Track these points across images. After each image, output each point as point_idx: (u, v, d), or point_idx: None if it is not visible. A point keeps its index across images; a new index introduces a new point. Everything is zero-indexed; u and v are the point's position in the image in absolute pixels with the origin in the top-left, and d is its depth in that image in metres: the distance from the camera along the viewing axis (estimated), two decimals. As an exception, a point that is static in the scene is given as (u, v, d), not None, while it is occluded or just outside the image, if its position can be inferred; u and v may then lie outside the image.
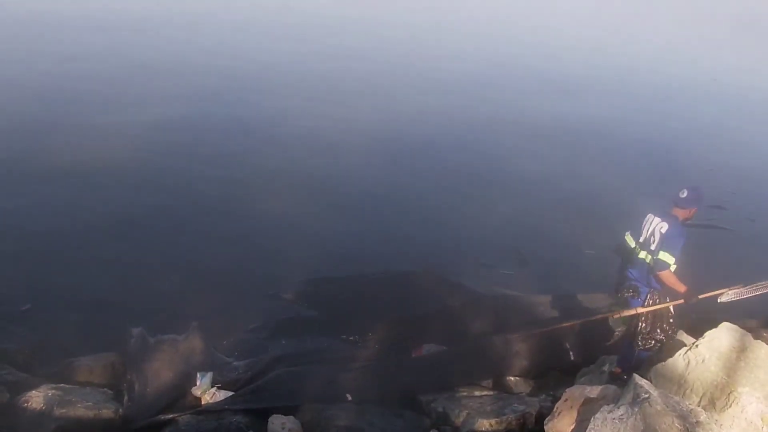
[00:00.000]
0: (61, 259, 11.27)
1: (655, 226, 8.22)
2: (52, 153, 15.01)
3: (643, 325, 8.40)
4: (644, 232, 8.35)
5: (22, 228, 12.09)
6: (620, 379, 8.25)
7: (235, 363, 9.06)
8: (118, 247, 11.74)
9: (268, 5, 44.52)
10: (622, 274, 8.64)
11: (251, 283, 10.83)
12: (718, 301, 8.49)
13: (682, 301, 8.20)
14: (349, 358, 9.22)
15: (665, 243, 8.01)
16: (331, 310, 10.41)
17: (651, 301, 8.34)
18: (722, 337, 7.39)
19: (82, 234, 12.04)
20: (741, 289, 8.56)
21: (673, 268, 7.98)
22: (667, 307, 8.35)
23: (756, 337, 8.73)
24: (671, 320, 8.45)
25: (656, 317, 8.39)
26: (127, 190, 13.85)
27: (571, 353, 9.36)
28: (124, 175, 14.46)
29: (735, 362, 7.16)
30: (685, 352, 7.38)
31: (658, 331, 8.39)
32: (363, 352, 9.43)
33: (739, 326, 9.00)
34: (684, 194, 8.15)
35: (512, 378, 8.92)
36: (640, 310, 8.34)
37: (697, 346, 7.37)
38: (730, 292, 8.53)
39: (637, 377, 6.81)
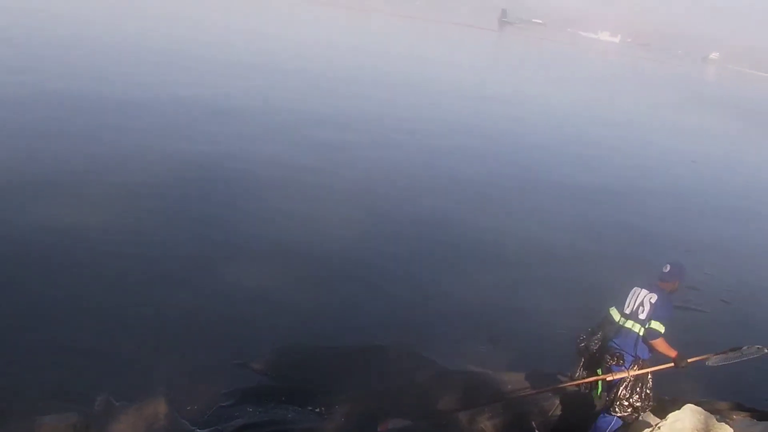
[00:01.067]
0: (30, 307, 11.20)
1: (644, 297, 8.70)
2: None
3: (624, 390, 8.60)
4: (631, 303, 8.80)
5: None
6: None
7: (199, 430, 8.92)
8: (89, 298, 11.65)
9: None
10: (603, 345, 8.89)
11: (219, 350, 10.69)
12: (707, 364, 8.78)
13: (671, 364, 8.52)
14: (312, 430, 9.17)
15: (656, 313, 8.51)
16: (299, 381, 10.28)
17: (636, 367, 8.61)
18: (685, 419, 7.44)
19: (51, 282, 11.94)
20: (729, 353, 8.82)
21: (657, 326, 8.46)
22: (648, 373, 8.65)
23: (723, 419, 8.83)
24: (650, 387, 8.68)
25: (636, 383, 8.63)
26: (107, 242, 13.75)
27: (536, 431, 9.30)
28: (105, 227, 14.41)
29: (698, 445, 7.17)
30: (648, 434, 7.38)
31: (636, 397, 8.59)
32: (328, 424, 9.33)
33: (706, 408, 9.15)
34: (667, 269, 8.86)
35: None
36: (632, 372, 8.56)
37: (659, 427, 7.41)
38: (717, 356, 8.79)
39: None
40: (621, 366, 8.69)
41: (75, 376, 9.61)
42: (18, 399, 8.97)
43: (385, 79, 47.62)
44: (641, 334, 8.64)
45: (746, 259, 19.90)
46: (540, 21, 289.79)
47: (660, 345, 8.53)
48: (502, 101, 46.43)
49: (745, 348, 8.87)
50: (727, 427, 7.49)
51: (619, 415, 8.65)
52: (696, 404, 9.94)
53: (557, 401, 9.73)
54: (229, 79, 35.22)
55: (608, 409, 8.78)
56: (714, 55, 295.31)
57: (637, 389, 8.66)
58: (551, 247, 17.80)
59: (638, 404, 8.61)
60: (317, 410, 9.61)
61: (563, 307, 13.55)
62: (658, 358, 8.70)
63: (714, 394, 11.03)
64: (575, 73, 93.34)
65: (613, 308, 9.08)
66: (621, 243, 18.74)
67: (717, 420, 8.70)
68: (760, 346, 8.87)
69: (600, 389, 9.03)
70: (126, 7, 60.38)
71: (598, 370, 8.98)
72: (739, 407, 10.95)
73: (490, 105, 43.37)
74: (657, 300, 8.65)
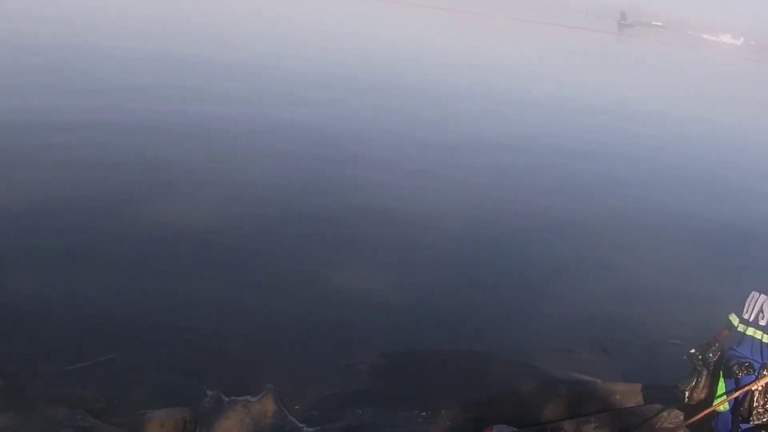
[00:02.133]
0: (146, 300, 11.67)
1: (763, 302, 8.47)
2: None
3: (759, 397, 8.47)
4: (749, 309, 8.59)
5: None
6: None
7: (306, 428, 9.10)
8: (201, 295, 12.04)
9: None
10: (723, 354, 8.80)
11: (328, 351, 10.86)
12: None
13: None
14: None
15: None
16: (405, 384, 10.37)
17: (765, 373, 8.38)
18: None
19: (169, 288, 12.26)
20: None
21: None
22: None
23: None
24: None
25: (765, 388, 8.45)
26: (222, 237, 14.21)
27: (641, 445, 9.15)
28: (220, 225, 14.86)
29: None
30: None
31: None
32: (434, 428, 9.38)
33: None
34: None
35: (581, 463, 8.75)
36: (753, 386, 8.37)
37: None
38: None
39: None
40: (751, 375, 8.48)
41: (185, 371, 9.93)
42: (128, 393, 9.30)
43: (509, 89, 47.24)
44: (764, 341, 8.45)
45: None
46: (660, 24, 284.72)
47: None
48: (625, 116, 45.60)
49: None
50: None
51: (755, 423, 8.49)
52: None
53: (666, 414, 9.53)
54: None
55: (746, 418, 8.60)
56: None
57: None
58: (668, 257, 17.43)
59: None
60: (423, 414, 9.66)
61: (677, 317, 13.23)
62: None
63: None
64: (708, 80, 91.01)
65: (733, 314, 8.90)
66: (744, 254, 18.13)
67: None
68: None
69: (722, 395, 8.82)
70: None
71: (719, 382, 8.83)
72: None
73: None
74: None
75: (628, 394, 10.36)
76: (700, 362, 9.03)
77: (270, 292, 12.46)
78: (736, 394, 8.54)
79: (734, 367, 8.56)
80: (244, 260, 13.45)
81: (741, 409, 8.59)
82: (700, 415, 8.95)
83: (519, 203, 19.88)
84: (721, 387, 8.81)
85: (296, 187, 18.03)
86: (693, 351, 9.14)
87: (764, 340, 8.47)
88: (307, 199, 17.34)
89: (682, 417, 9.47)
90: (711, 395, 8.94)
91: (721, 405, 8.74)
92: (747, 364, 8.48)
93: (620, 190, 23.41)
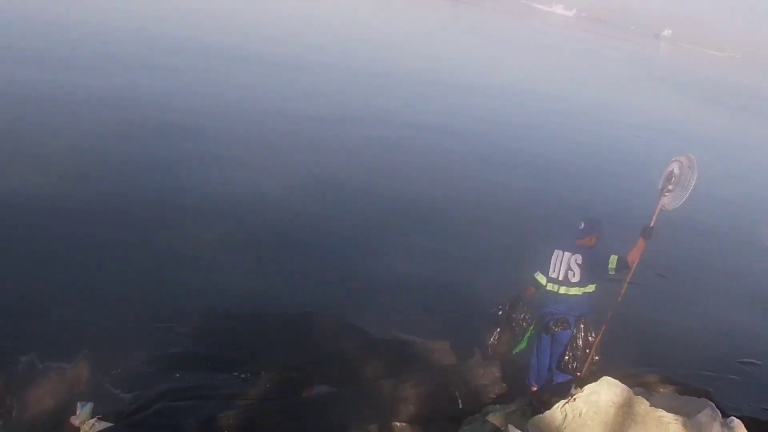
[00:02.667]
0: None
1: (569, 259, 8.98)
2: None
3: (572, 350, 9.00)
4: (557, 268, 9.05)
5: None
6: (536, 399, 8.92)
7: (121, 394, 8.87)
8: (14, 267, 11.43)
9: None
10: (541, 311, 9.26)
11: (147, 314, 10.58)
12: (668, 209, 9.19)
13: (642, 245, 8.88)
14: (236, 396, 9.11)
15: (596, 265, 8.88)
16: (226, 347, 10.21)
17: (582, 326, 9.02)
18: (601, 391, 7.41)
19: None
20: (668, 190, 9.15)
21: (615, 260, 8.79)
22: (593, 335, 9.06)
23: (651, 392, 8.89)
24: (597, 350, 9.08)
25: (585, 342, 9.02)
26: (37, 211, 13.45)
27: (459, 401, 9.30)
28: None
29: (612, 417, 7.19)
30: (563, 405, 7.41)
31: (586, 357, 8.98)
32: (253, 390, 9.29)
33: (635, 381, 9.26)
34: (582, 225, 9.10)
35: (398, 424, 8.83)
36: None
37: (574, 399, 7.39)
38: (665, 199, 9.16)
39: (512, 428, 6.82)
40: (567, 329, 8.98)
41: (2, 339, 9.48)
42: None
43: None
44: (579, 294, 8.96)
45: (686, 234, 20.01)
46: None
47: (634, 257, 8.88)
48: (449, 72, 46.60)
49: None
50: (643, 400, 7.48)
51: (569, 370, 9.00)
52: (625, 376, 10.07)
53: (480, 371, 9.76)
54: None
55: (559, 366, 9.09)
56: (666, 32, 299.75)
57: (586, 349, 9.03)
58: (492, 221, 17.96)
59: (586, 363, 9.01)
60: (243, 376, 9.58)
61: (500, 279, 13.49)
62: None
63: (659, 365, 11.50)
64: (527, 47, 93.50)
65: (539, 273, 9.30)
66: (561, 218, 18.65)
67: (635, 393, 8.73)
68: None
69: (523, 345, 9.44)
70: None
71: (523, 338, 9.40)
72: (669, 380, 11.08)
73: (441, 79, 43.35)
74: (583, 260, 8.95)
75: (447, 353, 10.57)
76: (503, 319, 9.46)
77: (88, 257, 12.03)
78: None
79: (551, 324, 9.05)
80: (58, 231, 12.86)
81: (563, 361, 9.04)
82: None
83: (341, 171, 19.96)
84: (525, 340, 9.41)
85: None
86: (496, 309, 9.59)
87: (580, 294, 9.00)
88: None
89: (497, 374, 9.71)
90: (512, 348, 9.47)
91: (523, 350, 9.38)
92: (563, 319, 8.98)
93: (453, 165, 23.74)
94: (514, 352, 9.50)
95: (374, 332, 11.09)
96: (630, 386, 9.03)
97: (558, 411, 7.38)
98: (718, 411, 7.92)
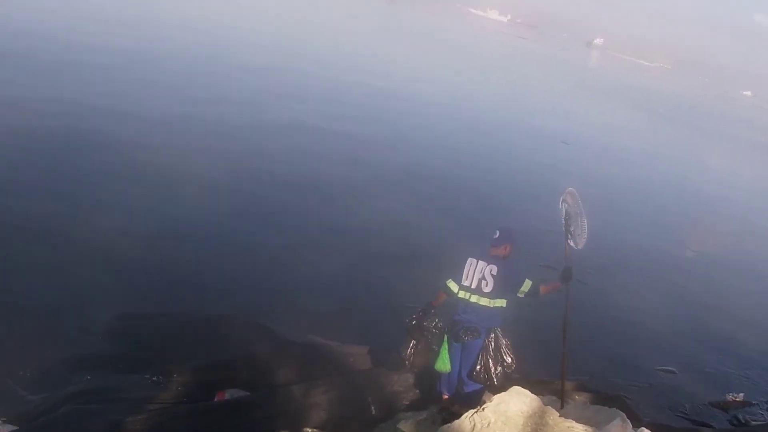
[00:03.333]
0: None
1: (483, 269, 8.85)
2: None
3: (484, 360, 8.92)
4: (470, 276, 8.92)
5: None
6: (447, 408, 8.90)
7: (29, 396, 8.71)
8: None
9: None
10: (452, 318, 9.11)
11: (58, 314, 10.40)
12: (578, 247, 9.27)
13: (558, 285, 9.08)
14: (146, 399, 8.93)
15: (510, 281, 8.84)
16: (139, 349, 10.07)
17: (493, 338, 8.92)
18: (510, 401, 7.40)
19: None
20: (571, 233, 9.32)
21: (528, 285, 8.86)
22: (506, 345, 9.02)
23: (567, 400, 8.90)
24: (509, 358, 8.99)
25: (497, 352, 8.93)
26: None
27: (372, 407, 9.24)
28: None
29: (521, 428, 7.18)
30: (472, 415, 7.40)
31: (498, 367, 8.93)
32: (164, 393, 9.14)
33: (548, 388, 9.26)
34: (496, 234, 9.04)
35: (309, 430, 8.77)
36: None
37: (483, 409, 7.36)
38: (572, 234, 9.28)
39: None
40: (477, 339, 8.88)
41: None
42: None
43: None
44: (491, 306, 8.86)
45: (607, 239, 20.31)
46: None
47: (546, 292, 9.03)
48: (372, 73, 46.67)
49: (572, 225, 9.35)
50: (553, 410, 7.49)
51: (478, 380, 8.96)
52: (539, 383, 10.12)
53: (394, 377, 9.72)
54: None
55: (470, 375, 9.01)
56: (598, 41, 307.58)
57: (499, 359, 8.94)
58: (410, 223, 18.08)
59: (497, 371, 8.92)
60: (154, 378, 9.43)
61: (418, 282, 13.46)
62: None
63: (576, 372, 11.32)
64: (456, 51, 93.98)
65: (451, 281, 9.14)
66: (481, 222, 18.69)
67: (548, 402, 8.76)
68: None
69: (446, 358, 9.14)
70: None
71: (444, 346, 9.15)
72: (584, 387, 11.13)
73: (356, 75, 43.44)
74: (499, 271, 8.84)
75: (362, 357, 10.53)
76: (416, 328, 9.28)
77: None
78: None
79: (461, 332, 8.92)
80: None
81: (475, 370, 8.97)
82: None
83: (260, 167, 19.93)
84: (445, 350, 9.11)
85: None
86: (409, 320, 9.40)
87: (491, 306, 8.89)
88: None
89: (411, 381, 9.68)
90: (433, 358, 9.23)
91: (444, 367, 9.10)
92: (473, 328, 8.87)
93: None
94: (435, 367, 9.25)
95: (289, 334, 11.04)
96: (544, 394, 9.10)
97: (466, 420, 7.35)
98: (629, 421, 7.96)
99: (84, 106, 21.19)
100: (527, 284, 8.86)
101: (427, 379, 9.81)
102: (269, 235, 15.11)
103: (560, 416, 7.50)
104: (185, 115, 23.27)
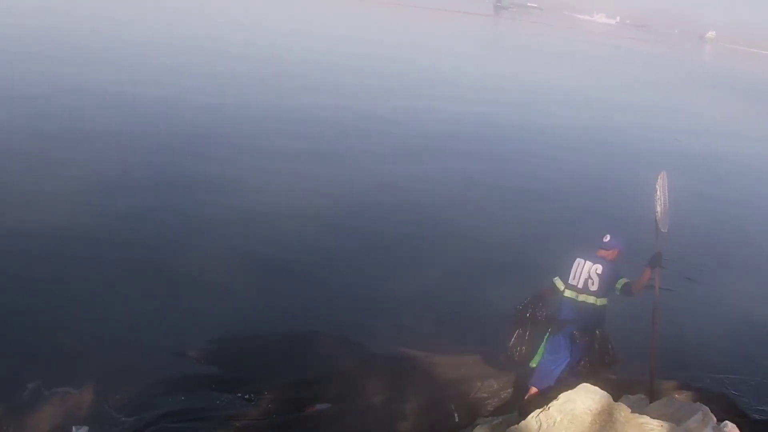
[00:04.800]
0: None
1: (589, 269, 9.06)
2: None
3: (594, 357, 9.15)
4: (577, 275, 9.13)
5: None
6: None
7: (123, 418, 8.96)
8: (23, 288, 11.72)
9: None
10: (550, 315, 9.30)
11: (152, 338, 10.72)
12: (664, 231, 9.36)
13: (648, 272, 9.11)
14: (237, 416, 9.21)
15: (610, 279, 9.00)
16: (230, 369, 10.31)
17: (599, 335, 9.14)
18: (577, 399, 7.26)
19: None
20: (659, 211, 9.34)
21: (622, 283, 9.00)
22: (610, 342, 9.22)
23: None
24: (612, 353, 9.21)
25: (602, 350, 9.16)
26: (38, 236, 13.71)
27: (455, 414, 9.25)
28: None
29: (589, 426, 7.03)
30: (538, 414, 7.27)
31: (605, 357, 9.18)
32: (254, 410, 9.39)
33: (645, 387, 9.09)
34: (607, 238, 9.20)
35: (395, 441, 8.83)
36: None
37: (549, 408, 7.24)
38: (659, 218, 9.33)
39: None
40: (585, 338, 9.07)
41: (6, 363, 9.67)
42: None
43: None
44: (598, 304, 9.05)
45: (716, 236, 19.95)
46: (535, 5, 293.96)
47: (639, 285, 9.03)
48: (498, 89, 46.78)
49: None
50: (624, 407, 7.32)
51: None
52: (636, 383, 9.91)
53: (479, 384, 9.73)
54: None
55: (574, 371, 9.22)
56: (710, 34, 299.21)
57: (604, 357, 9.18)
58: (498, 230, 17.78)
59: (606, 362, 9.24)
60: (246, 397, 9.66)
61: (513, 290, 13.34)
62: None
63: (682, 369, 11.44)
64: (567, 57, 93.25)
65: (557, 278, 9.38)
66: (584, 226, 18.32)
67: (636, 401, 8.62)
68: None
69: (540, 356, 9.31)
70: None
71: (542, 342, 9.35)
72: (686, 386, 10.87)
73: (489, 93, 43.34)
74: (603, 270, 9.02)
75: (449, 366, 10.50)
76: (524, 317, 9.39)
77: (94, 282, 12.26)
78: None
79: (575, 332, 9.08)
80: (63, 256, 13.07)
81: (579, 366, 9.22)
82: None
83: (346, 185, 20.17)
84: (543, 346, 9.35)
85: None
86: (520, 307, 9.49)
87: (597, 303, 9.08)
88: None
89: (495, 386, 9.68)
90: (532, 352, 9.39)
91: (534, 362, 9.34)
92: (589, 331, 9.10)
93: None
94: (532, 365, 9.36)
95: (375, 348, 11.10)
96: (637, 393, 8.91)
97: (533, 420, 7.24)
98: (712, 416, 7.72)
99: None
100: (620, 282, 8.97)
101: (514, 382, 9.81)
102: (353, 252, 15.21)
103: (633, 412, 7.34)
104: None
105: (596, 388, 7.42)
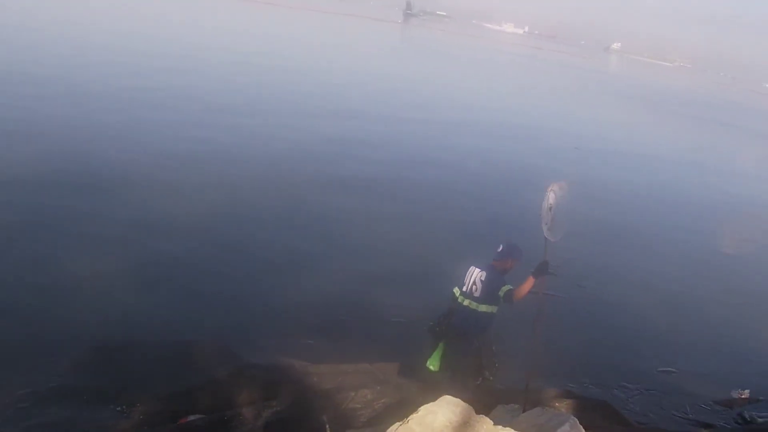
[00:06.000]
0: None
1: (477, 275, 9.30)
2: None
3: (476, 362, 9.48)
4: (468, 282, 9.37)
5: None
6: None
7: (-12, 432, 8.69)
8: None
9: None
10: (449, 322, 9.50)
11: (25, 348, 10.44)
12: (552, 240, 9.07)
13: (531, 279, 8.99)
14: (109, 428, 8.99)
15: (492, 286, 9.18)
16: (103, 379, 10.06)
17: (477, 341, 9.39)
18: (438, 411, 7.12)
19: None
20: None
21: (505, 290, 9.11)
22: (492, 346, 9.65)
23: (545, 407, 8.69)
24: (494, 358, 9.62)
25: (485, 353, 9.48)
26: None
27: (327, 426, 9.11)
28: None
29: (449, 440, 6.86)
30: (397, 428, 7.09)
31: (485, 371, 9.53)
32: (125, 423, 9.14)
33: (529, 397, 9.10)
34: (500, 248, 9.42)
35: (264, 455, 8.68)
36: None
37: (408, 421, 7.09)
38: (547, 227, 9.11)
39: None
40: (465, 342, 9.38)
41: None
42: None
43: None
44: (480, 310, 9.25)
45: (606, 243, 20.48)
46: (444, 13, 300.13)
47: (521, 293, 8.98)
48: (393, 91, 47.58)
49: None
50: (486, 420, 7.22)
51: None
52: (517, 392, 9.89)
53: (352, 394, 9.65)
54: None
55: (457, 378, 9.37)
56: (616, 45, 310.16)
57: (484, 363, 9.53)
58: (389, 238, 17.68)
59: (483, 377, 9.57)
60: (118, 409, 9.42)
61: (400, 294, 13.31)
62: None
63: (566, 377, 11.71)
64: (465, 64, 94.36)
65: (456, 288, 9.63)
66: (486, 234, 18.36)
67: (510, 410, 8.57)
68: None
69: (436, 358, 9.54)
70: None
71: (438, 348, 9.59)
72: (570, 395, 11.00)
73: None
74: (486, 276, 9.24)
75: (327, 376, 10.44)
76: (437, 332, 9.59)
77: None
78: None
79: (452, 336, 9.42)
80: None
81: (461, 373, 9.43)
82: None
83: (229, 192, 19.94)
84: (438, 351, 9.59)
85: None
86: (433, 324, 9.67)
87: (480, 309, 9.29)
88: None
89: (369, 396, 9.80)
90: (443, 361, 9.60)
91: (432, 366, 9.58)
92: (462, 331, 9.37)
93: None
94: (426, 365, 9.60)
95: (253, 357, 11.00)
96: (521, 403, 8.89)
97: (391, 433, 7.09)
98: (580, 428, 7.70)
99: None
100: (504, 289, 9.11)
101: (387, 393, 9.85)
102: (231, 259, 14.94)
103: (497, 424, 7.24)
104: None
105: (458, 400, 7.33)
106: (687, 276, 19.21)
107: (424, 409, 7.22)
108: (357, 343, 11.81)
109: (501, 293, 9.11)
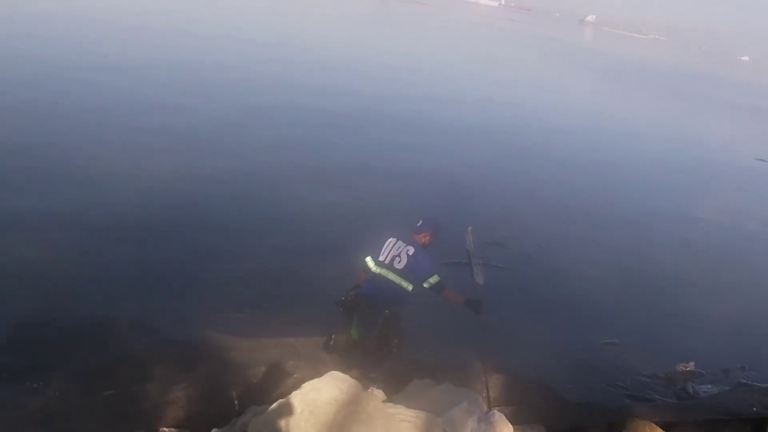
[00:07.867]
0: None
1: (401, 249, 9.37)
2: None
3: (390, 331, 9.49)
4: (386, 252, 9.44)
5: None
6: None
7: None
8: None
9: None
10: (358, 292, 9.63)
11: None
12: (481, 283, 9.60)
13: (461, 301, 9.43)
14: (21, 406, 8.88)
15: (421, 268, 9.32)
16: (23, 357, 9.92)
17: (387, 311, 9.39)
18: (323, 388, 7.05)
19: None
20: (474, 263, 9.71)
21: (436, 281, 9.32)
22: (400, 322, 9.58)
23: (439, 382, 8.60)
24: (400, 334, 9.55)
25: (392, 324, 9.46)
26: None
27: (235, 402, 9.05)
28: None
29: (331, 417, 6.76)
30: (280, 406, 7.02)
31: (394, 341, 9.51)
32: (39, 399, 9.03)
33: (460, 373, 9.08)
34: (419, 223, 9.70)
35: (165, 429, 8.58)
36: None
37: (290, 398, 7.02)
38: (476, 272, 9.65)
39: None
40: (378, 310, 9.39)
41: None
42: None
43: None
44: (399, 284, 9.32)
45: (557, 213, 20.45)
46: None
47: (451, 295, 9.41)
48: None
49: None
50: (377, 396, 7.15)
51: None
52: (445, 367, 9.81)
53: (263, 369, 9.68)
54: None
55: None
56: (590, 18, 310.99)
57: (392, 335, 9.51)
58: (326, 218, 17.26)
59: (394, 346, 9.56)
60: (34, 386, 9.30)
61: (334, 272, 13.13)
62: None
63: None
64: (443, 35, 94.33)
65: (369, 257, 9.69)
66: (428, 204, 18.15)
67: (426, 385, 8.52)
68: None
69: (356, 329, 9.51)
70: None
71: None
72: (500, 370, 10.81)
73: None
74: (415, 253, 9.32)
75: (244, 351, 10.45)
76: (346, 306, 9.61)
77: None
78: None
79: (362, 304, 9.45)
80: None
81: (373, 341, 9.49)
82: None
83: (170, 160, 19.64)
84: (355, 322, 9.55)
85: None
86: (343, 298, 9.74)
87: (400, 284, 9.33)
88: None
89: (288, 369, 9.88)
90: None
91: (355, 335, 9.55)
92: (377, 305, 9.40)
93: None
94: (354, 336, 9.60)
95: (174, 333, 10.85)
96: (443, 379, 8.79)
97: (275, 412, 6.99)
98: (481, 404, 7.65)
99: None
100: (434, 279, 9.30)
101: (299, 367, 9.89)
102: (155, 232, 14.68)
103: (387, 402, 7.15)
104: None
105: (346, 376, 7.24)
106: (636, 247, 19.23)
107: (308, 385, 7.15)
108: (286, 317, 11.70)
109: (432, 281, 9.30)
